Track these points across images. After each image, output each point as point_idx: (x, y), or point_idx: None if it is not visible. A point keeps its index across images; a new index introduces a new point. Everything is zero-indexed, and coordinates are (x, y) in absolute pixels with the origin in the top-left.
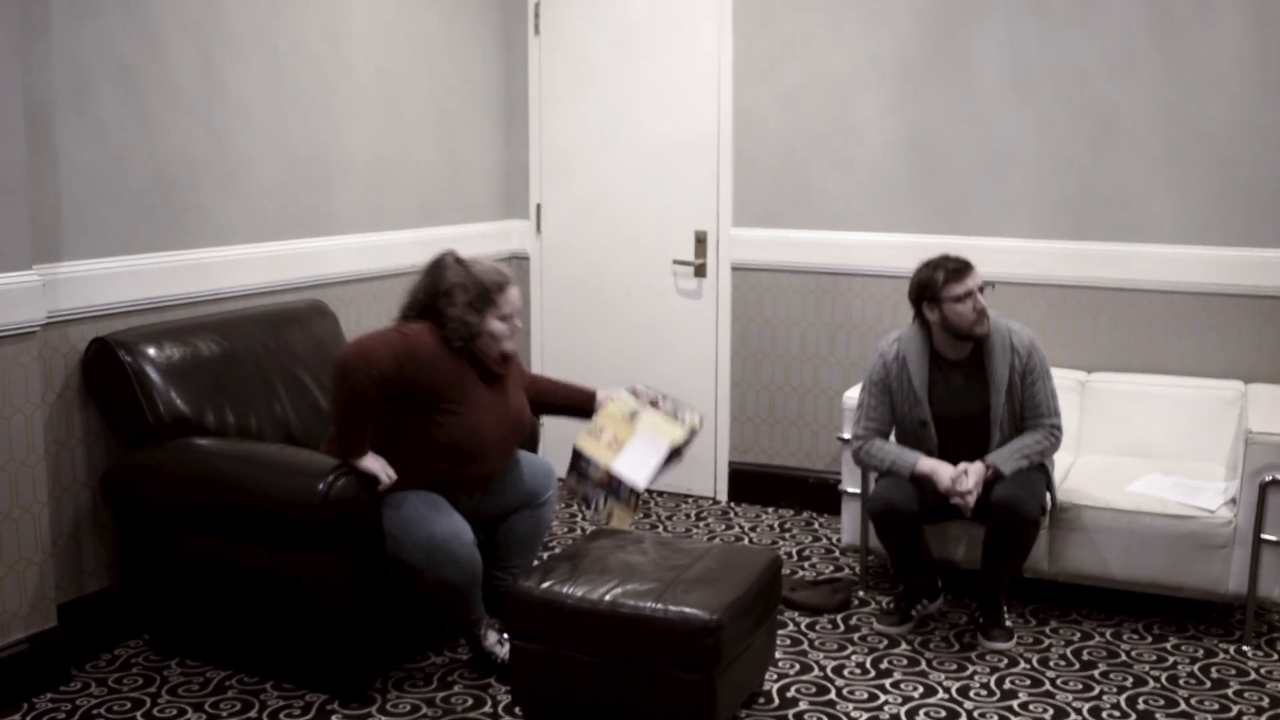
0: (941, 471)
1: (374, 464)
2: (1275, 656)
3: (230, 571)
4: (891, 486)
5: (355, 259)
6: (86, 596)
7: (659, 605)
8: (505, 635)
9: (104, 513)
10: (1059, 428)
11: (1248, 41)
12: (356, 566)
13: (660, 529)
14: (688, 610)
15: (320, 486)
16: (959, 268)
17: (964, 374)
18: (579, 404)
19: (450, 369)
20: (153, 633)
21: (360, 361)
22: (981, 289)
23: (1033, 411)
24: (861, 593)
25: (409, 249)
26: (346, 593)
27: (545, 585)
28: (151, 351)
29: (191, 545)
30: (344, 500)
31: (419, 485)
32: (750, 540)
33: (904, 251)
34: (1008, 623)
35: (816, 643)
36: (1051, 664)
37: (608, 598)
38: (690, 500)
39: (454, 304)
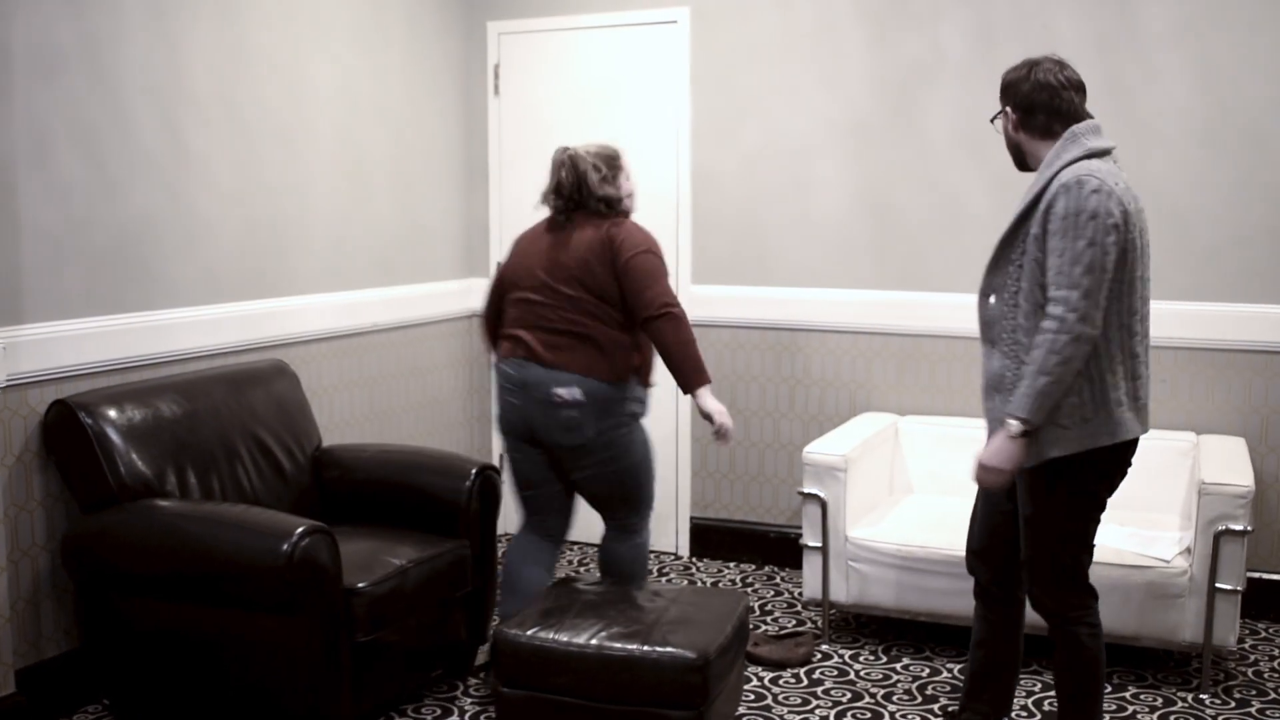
0: None
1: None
2: (1232, 704)
3: (193, 634)
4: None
5: (317, 318)
6: (46, 661)
7: (646, 646)
8: None
9: (64, 576)
10: (1066, 311)
11: (1193, 103)
12: (321, 627)
13: None
14: (674, 650)
15: (285, 547)
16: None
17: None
18: None
19: None
20: (114, 698)
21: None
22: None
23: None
24: (824, 646)
25: (370, 308)
26: (311, 654)
27: (531, 632)
28: (112, 413)
29: (153, 608)
30: (309, 561)
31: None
32: None
33: (860, 307)
34: None
35: (780, 697)
36: (1013, 715)
37: (594, 641)
38: (652, 556)
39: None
